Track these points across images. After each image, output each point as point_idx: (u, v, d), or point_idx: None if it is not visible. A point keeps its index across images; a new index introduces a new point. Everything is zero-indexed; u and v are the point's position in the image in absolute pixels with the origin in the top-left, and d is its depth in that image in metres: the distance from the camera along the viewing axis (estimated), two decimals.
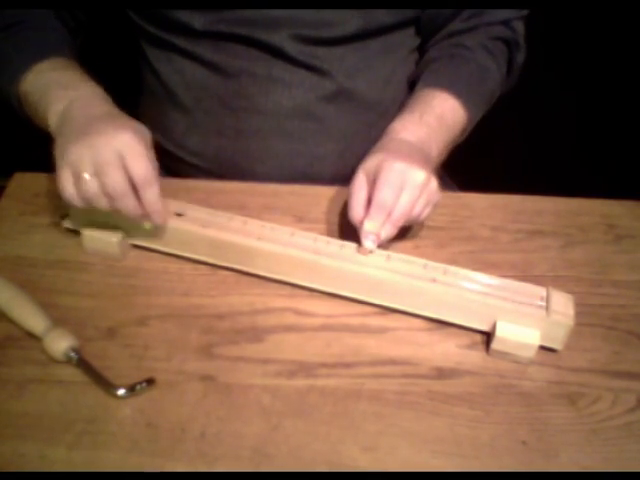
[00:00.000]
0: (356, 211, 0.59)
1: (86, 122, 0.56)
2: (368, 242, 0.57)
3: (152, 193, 0.54)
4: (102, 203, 0.54)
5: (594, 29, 1.22)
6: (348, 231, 0.66)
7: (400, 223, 0.58)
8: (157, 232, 0.60)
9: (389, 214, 0.57)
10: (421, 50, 0.80)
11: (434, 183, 0.59)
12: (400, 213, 0.57)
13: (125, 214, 0.55)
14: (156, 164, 0.56)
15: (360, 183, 0.60)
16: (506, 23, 0.75)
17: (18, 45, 0.67)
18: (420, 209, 0.59)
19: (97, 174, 0.53)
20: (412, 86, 0.76)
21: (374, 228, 0.57)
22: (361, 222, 0.58)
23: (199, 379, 0.51)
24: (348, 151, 0.78)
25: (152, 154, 0.56)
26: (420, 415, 0.50)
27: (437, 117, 0.68)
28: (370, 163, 0.60)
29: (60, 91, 0.60)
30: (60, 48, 0.68)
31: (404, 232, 0.63)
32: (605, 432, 0.49)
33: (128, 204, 0.54)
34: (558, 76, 0.82)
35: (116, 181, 0.53)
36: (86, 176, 0.53)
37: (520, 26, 0.76)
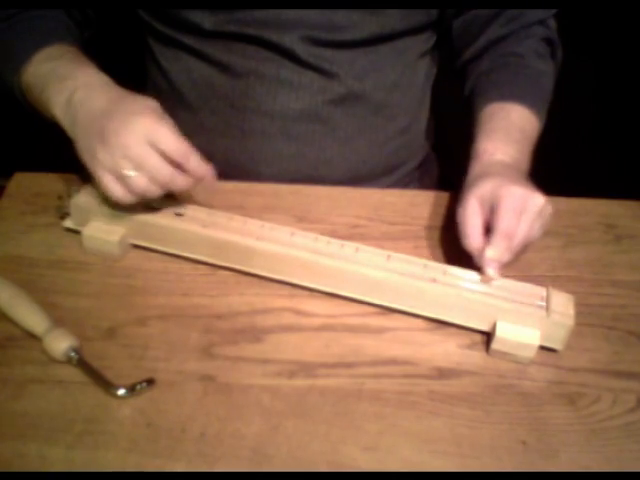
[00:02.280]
0: (474, 239, 0.57)
1: (97, 117, 0.56)
2: (491, 270, 0.55)
3: (194, 161, 0.55)
4: (155, 192, 0.55)
5: (593, 31, 1.22)
6: (350, 232, 0.66)
7: (519, 249, 0.56)
8: (160, 230, 0.60)
9: (510, 240, 0.56)
10: (453, 60, 0.79)
11: (549, 207, 0.58)
12: (521, 239, 0.56)
13: (180, 191, 0.57)
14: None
15: (474, 209, 0.58)
16: (543, 22, 0.74)
17: (18, 35, 0.66)
18: (536, 234, 0.58)
19: (138, 168, 0.53)
20: (466, 99, 0.75)
21: (497, 256, 0.55)
22: (479, 250, 0.56)
23: (199, 379, 0.51)
24: (354, 154, 0.78)
25: (170, 122, 0.56)
26: (420, 415, 0.50)
27: (520, 131, 0.67)
28: (483, 189, 0.58)
29: (58, 83, 0.60)
30: (60, 34, 0.67)
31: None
32: (605, 432, 0.49)
33: (179, 182, 0.55)
34: (558, 77, 0.83)
35: (160, 168, 0.54)
36: (130, 173, 0.53)
37: (554, 23, 0.76)
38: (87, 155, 0.56)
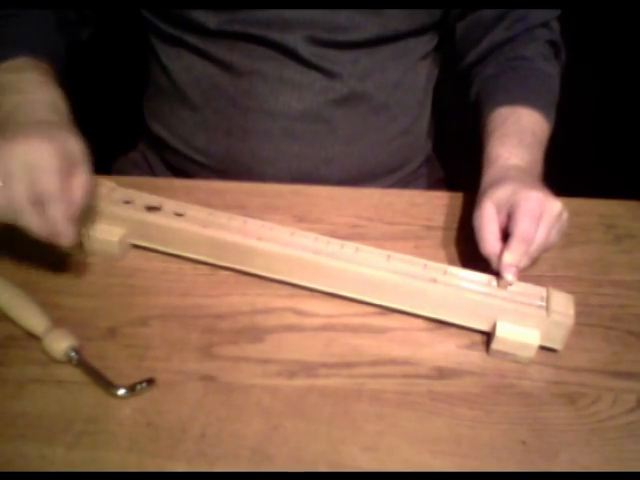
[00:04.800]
0: (491, 244, 0.57)
1: (8, 129, 0.54)
2: (510, 275, 0.54)
3: (56, 210, 0.50)
4: (7, 216, 0.50)
5: (591, 31, 1.22)
6: (350, 232, 0.66)
7: (536, 254, 0.56)
8: (161, 230, 0.60)
9: (528, 245, 0.55)
10: (456, 63, 0.79)
11: (566, 213, 0.58)
12: (539, 244, 0.56)
13: (32, 231, 0.51)
14: (86, 182, 0.52)
15: (491, 215, 0.58)
16: (546, 25, 0.74)
17: None
18: (553, 239, 0.57)
19: (3, 184, 0.49)
20: (472, 102, 0.75)
21: (515, 260, 0.54)
22: (497, 255, 0.56)
23: (199, 379, 0.51)
24: (356, 154, 0.78)
25: (86, 168, 0.53)
26: (420, 415, 0.50)
27: (532, 135, 0.67)
28: (500, 194, 0.58)
29: (6, 96, 0.58)
30: (30, 44, 0.66)
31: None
32: (605, 432, 0.49)
33: (29, 220, 0.50)
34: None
35: (17, 194, 0.49)
36: None
37: (557, 25, 0.76)
38: None
